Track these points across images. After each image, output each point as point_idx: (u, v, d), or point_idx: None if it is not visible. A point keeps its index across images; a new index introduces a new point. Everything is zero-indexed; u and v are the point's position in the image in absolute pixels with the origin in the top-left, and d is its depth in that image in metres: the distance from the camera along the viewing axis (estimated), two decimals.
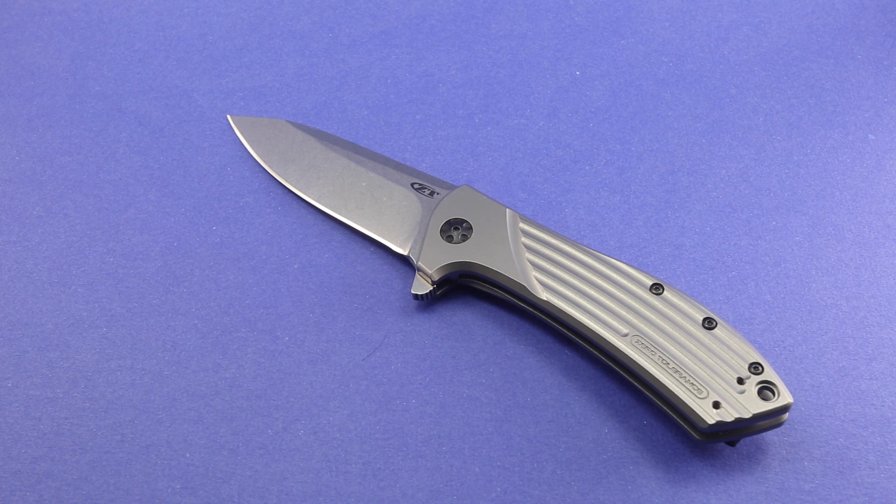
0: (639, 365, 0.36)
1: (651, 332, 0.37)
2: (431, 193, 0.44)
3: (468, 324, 0.41)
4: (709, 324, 0.36)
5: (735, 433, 0.35)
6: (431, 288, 0.41)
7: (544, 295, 0.39)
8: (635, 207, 0.45)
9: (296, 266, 0.44)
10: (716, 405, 0.34)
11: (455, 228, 0.42)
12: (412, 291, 0.41)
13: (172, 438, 0.39)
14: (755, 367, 0.35)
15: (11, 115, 0.52)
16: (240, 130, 0.50)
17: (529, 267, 0.40)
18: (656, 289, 0.38)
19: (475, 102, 0.51)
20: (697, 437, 0.36)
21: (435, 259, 0.41)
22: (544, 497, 0.36)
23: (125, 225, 0.46)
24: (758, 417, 0.34)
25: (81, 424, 0.39)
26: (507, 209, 0.42)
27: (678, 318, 0.37)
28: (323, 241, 0.45)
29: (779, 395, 0.34)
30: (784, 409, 0.34)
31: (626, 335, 0.37)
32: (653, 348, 0.36)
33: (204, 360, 0.41)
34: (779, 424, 0.35)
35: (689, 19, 0.55)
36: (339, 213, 0.45)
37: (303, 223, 0.46)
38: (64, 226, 0.47)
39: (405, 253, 0.43)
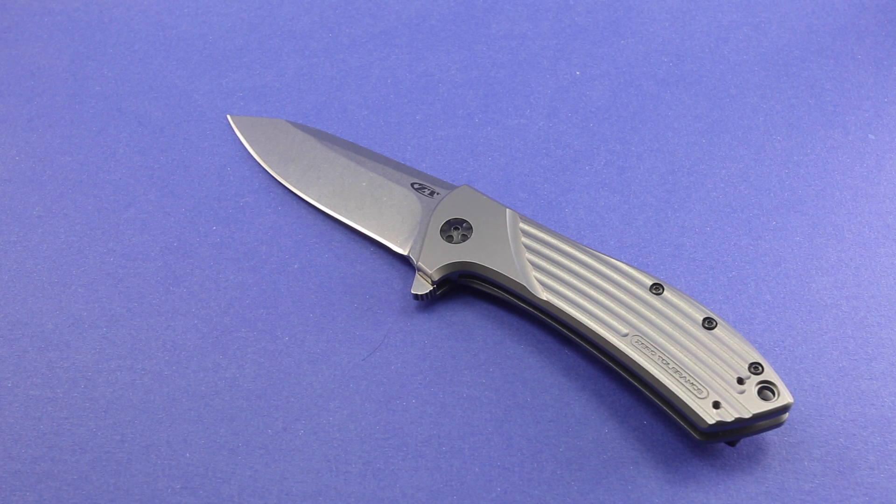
0: (639, 365, 0.36)
1: (651, 332, 0.37)
2: (431, 193, 0.44)
3: (468, 324, 0.41)
4: (709, 324, 0.36)
5: (735, 433, 0.35)
6: (431, 288, 0.41)
7: (544, 295, 0.39)
8: (635, 207, 0.45)
9: (296, 266, 0.44)
10: (716, 405, 0.34)
11: (455, 228, 0.42)
12: (412, 291, 0.41)
13: (172, 438, 0.39)
14: (755, 367, 0.35)
15: (11, 115, 0.52)
16: (240, 130, 0.50)
17: (529, 267, 0.40)
18: (656, 289, 0.38)
19: (475, 102, 0.51)
20: (697, 437, 0.36)
21: (435, 259, 0.41)
22: (544, 497, 0.36)
23: (125, 225, 0.46)
24: (758, 417, 0.34)
25: (81, 424, 0.39)
26: (507, 209, 0.42)
27: (678, 318, 0.37)
28: (323, 241, 0.45)
29: (779, 395, 0.34)
30: (784, 409, 0.34)
31: (626, 335, 0.37)
32: (653, 348, 0.36)
33: (204, 360, 0.41)
34: (779, 424, 0.35)
35: (689, 19, 0.55)
36: (339, 213, 0.45)
37: (303, 223, 0.46)
38: (64, 226, 0.47)
39: (405, 253, 0.43)
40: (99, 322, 0.43)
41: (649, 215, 0.45)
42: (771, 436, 0.37)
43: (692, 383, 0.35)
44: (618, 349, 0.37)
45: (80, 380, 0.41)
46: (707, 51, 0.53)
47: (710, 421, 0.34)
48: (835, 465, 0.36)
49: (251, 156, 0.49)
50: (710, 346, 0.36)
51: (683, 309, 0.37)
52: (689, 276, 0.42)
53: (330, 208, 0.45)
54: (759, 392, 0.35)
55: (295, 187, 0.47)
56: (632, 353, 0.36)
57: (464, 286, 0.43)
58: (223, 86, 0.53)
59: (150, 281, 0.44)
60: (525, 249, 0.40)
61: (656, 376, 0.36)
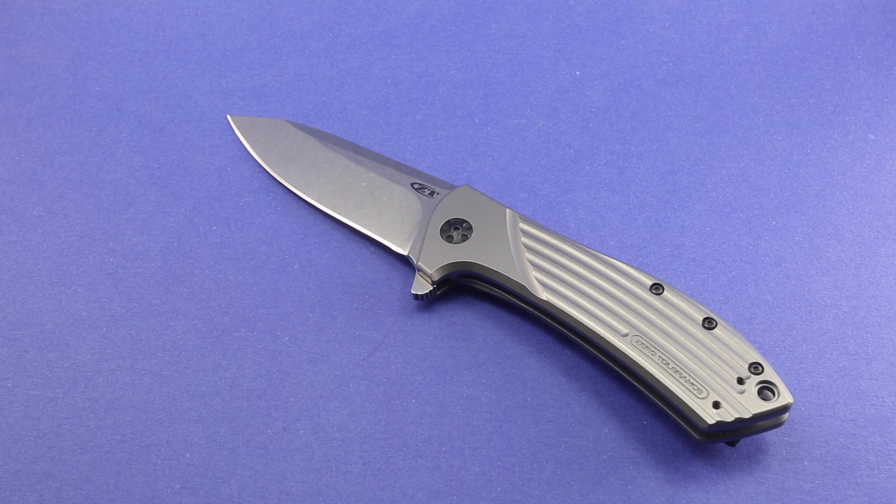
0: (639, 365, 0.36)
1: (651, 332, 0.37)
2: (431, 193, 0.44)
3: (468, 324, 0.41)
4: (709, 324, 0.36)
5: (735, 433, 0.35)
6: (431, 288, 0.41)
7: (544, 295, 0.39)
8: (635, 207, 0.45)
9: (296, 266, 0.44)
10: (716, 405, 0.34)
11: (455, 228, 0.42)
12: (412, 291, 0.41)
13: (172, 438, 0.39)
14: (755, 367, 0.35)
15: (11, 115, 0.52)
16: (240, 130, 0.50)
17: (529, 267, 0.40)
18: (656, 289, 0.38)
19: (475, 102, 0.51)
20: (697, 437, 0.36)
21: (435, 259, 0.41)
22: (544, 497, 0.36)
23: (125, 225, 0.46)
24: (758, 417, 0.34)
25: (81, 424, 0.39)
26: (507, 209, 0.42)
27: (678, 318, 0.37)
28: (323, 241, 0.45)
29: (779, 395, 0.34)
30: (784, 409, 0.34)
31: (626, 335, 0.37)
32: (653, 348, 0.36)
33: (204, 360, 0.41)
34: (779, 424, 0.35)
35: (689, 19, 0.55)
36: (339, 213, 0.45)
37: (303, 223, 0.46)
38: (64, 226, 0.47)
39: (405, 253, 0.43)
40: (99, 322, 0.43)
41: (649, 215, 0.45)
42: (771, 436, 0.37)
43: (692, 383, 0.35)
44: (618, 349, 0.37)
45: (80, 380, 0.41)
46: (707, 51, 0.53)
47: (710, 421, 0.34)
48: (835, 465, 0.36)
49: (251, 156, 0.49)
50: (710, 346, 0.36)
51: (683, 309, 0.37)
52: (689, 276, 0.42)
53: (330, 208, 0.45)
54: (759, 392, 0.35)
55: (295, 187, 0.47)
56: (632, 353, 0.36)
57: (464, 286, 0.43)
58: (223, 86, 0.53)
59: (150, 281, 0.44)
60: (525, 249, 0.40)
61: (656, 376, 0.36)
